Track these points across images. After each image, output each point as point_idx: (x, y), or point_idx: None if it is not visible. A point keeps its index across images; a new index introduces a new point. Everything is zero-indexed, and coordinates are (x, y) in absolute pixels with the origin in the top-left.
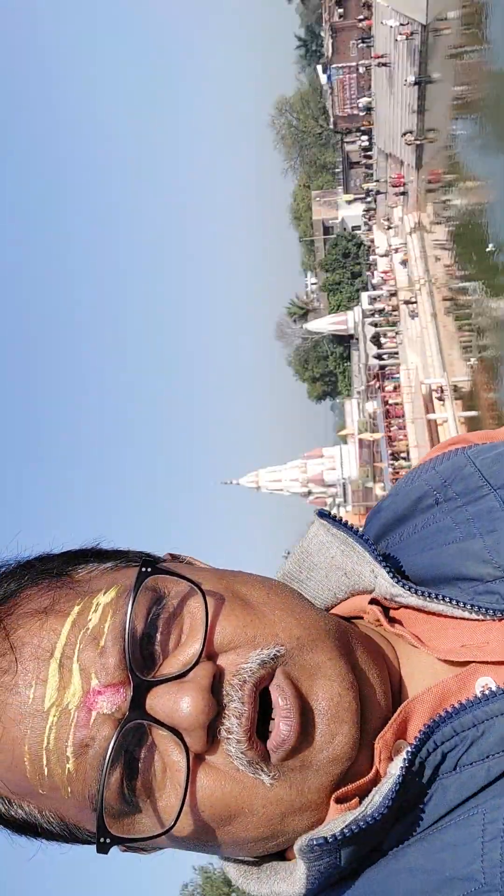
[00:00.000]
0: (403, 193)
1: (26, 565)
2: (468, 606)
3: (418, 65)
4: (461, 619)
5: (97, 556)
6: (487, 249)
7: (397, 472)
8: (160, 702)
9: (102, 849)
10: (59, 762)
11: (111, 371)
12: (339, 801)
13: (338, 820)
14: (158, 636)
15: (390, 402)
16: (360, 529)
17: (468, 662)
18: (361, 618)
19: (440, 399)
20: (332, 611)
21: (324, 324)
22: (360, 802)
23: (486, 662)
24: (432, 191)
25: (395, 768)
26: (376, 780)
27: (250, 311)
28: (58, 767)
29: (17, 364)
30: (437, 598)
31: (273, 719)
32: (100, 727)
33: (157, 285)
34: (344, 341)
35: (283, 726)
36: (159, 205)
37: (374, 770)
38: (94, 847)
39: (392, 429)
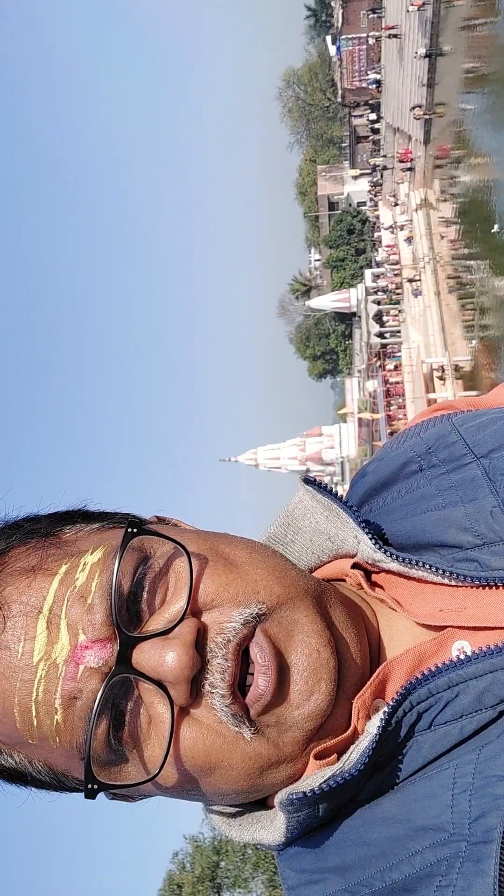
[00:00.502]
0: (410, 169)
1: (14, 525)
2: (447, 573)
3: (430, 37)
4: (440, 584)
5: (84, 518)
6: (493, 230)
7: None
8: (146, 656)
9: (90, 794)
10: (47, 714)
11: (109, 346)
12: (318, 757)
13: (317, 775)
14: (144, 594)
15: (391, 380)
16: (344, 496)
17: (446, 626)
18: (343, 580)
19: (441, 378)
20: (315, 573)
21: (326, 301)
22: (338, 758)
23: (463, 627)
24: (440, 167)
25: (373, 727)
26: (354, 738)
27: (252, 288)
28: (46, 719)
29: (16, 336)
30: (417, 564)
31: (252, 674)
32: (87, 680)
33: (157, 258)
34: (346, 319)
35: (261, 681)
36: (163, 176)
37: (352, 728)
38: (81, 794)
39: (392, 408)
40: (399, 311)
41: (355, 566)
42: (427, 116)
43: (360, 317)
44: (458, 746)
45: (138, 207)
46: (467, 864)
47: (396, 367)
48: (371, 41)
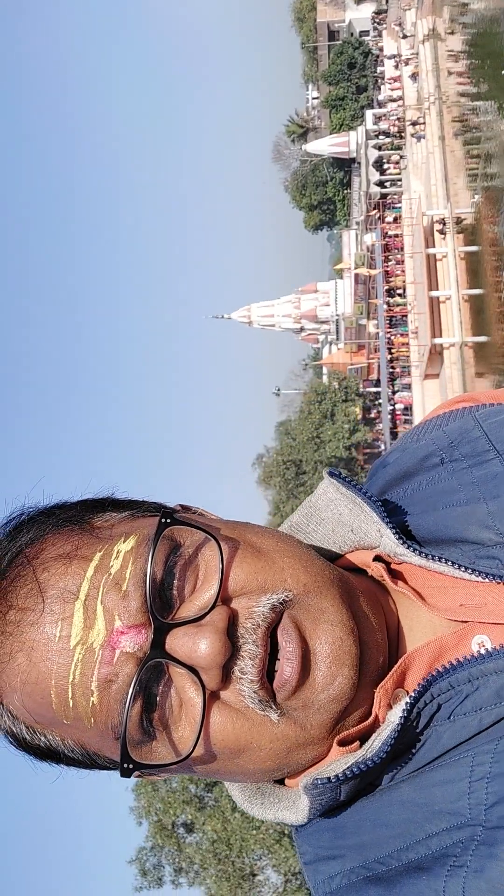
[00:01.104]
0: None
1: (47, 512)
2: (468, 569)
3: None
4: (461, 579)
5: (113, 506)
6: (503, 73)
7: (391, 310)
8: (179, 642)
9: (126, 773)
10: (83, 696)
11: (101, 196)
12: (341, 743)
13: (340, 761)
14: (175, 582)
15: (390, 234)
16: (367, 489)
17: (466, 621)
18: (364, 571)
19: (441, 233)
20: (336, 563)
21: (324, 145)
22: (360, 745)
23: (483, 622)
24: None
25: (395, 716)
26: (375, 726)
27: (246, 127)
28: (82, 700)
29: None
30: (439, 559)
31: (279, 660)
32: (123, 664)
33: (145, 89)
34: (345, 166)
35: (287, 668)
36: None
37: (373, 716)
38: (110, 772)
39: (390, 263)
40: (401, 157)
41: (376, 558)
42: None
43: (359, 163)
44: (476, 736)
45: (122, 38)
46: (482, 847)
47: (396, 220)
48: None
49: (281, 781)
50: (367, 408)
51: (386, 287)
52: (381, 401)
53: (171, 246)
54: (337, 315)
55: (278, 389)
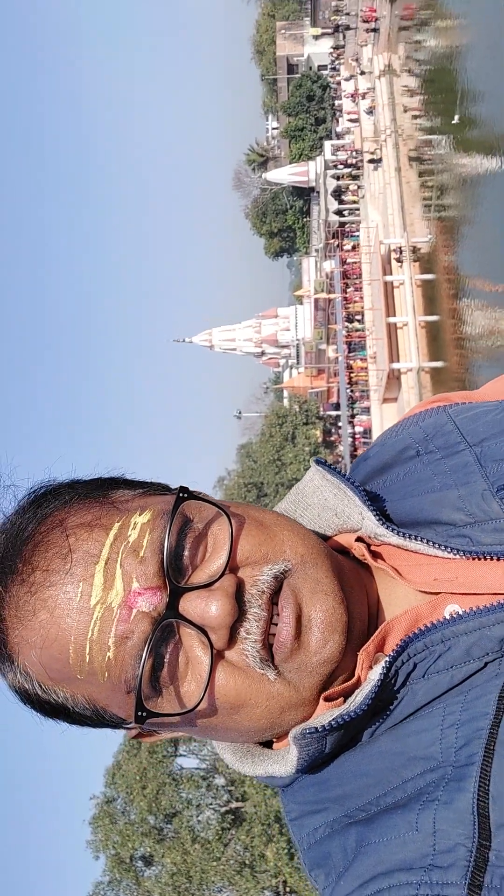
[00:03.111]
0: (374, 30)
1: (69, 485)
2: (442, 547)
3: None
4: (435, 557)
5: (125, 484)
6: (453, 122)
7: (350, 335)
8: (192, 605)
9: (140, 720)
10: (100, 651)
11: (60, 218)
12: (327, 700)
13: (326, 714)
14: (186, 552)
15: (348, 261)
16: (351, 475)
17: (439, 593)
18: (347, 552)
19: (398, 261)
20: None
21: (283, 174)
22: (344, 702)
23: (455, 593)
24: (405, 28)
25: (375, 674)
26: (358, 684)
27: (206, 156)
28: (98, 656)
29: None
30: (415, 538)
31: (275, 624)
32: (139, 623)
33: (108, 112)
34: (304, 194)
35: (284, 630)
36: (111, 24)
37: (357, 676)
38: (112, 730)
39: (348, 290)
40: (358, 187)
41: (358, 540)
42: None
43: (318, 192)
44: (448, 692)
45: (84, 58)
46: (451, 783)
47: (354, 248)
48: None
49: (268, 746)
50: (327, 431)
51: (345, 313)
52: (340, 424)
53: (133, 270)
54: (297, 340)
55: (239, 412)
